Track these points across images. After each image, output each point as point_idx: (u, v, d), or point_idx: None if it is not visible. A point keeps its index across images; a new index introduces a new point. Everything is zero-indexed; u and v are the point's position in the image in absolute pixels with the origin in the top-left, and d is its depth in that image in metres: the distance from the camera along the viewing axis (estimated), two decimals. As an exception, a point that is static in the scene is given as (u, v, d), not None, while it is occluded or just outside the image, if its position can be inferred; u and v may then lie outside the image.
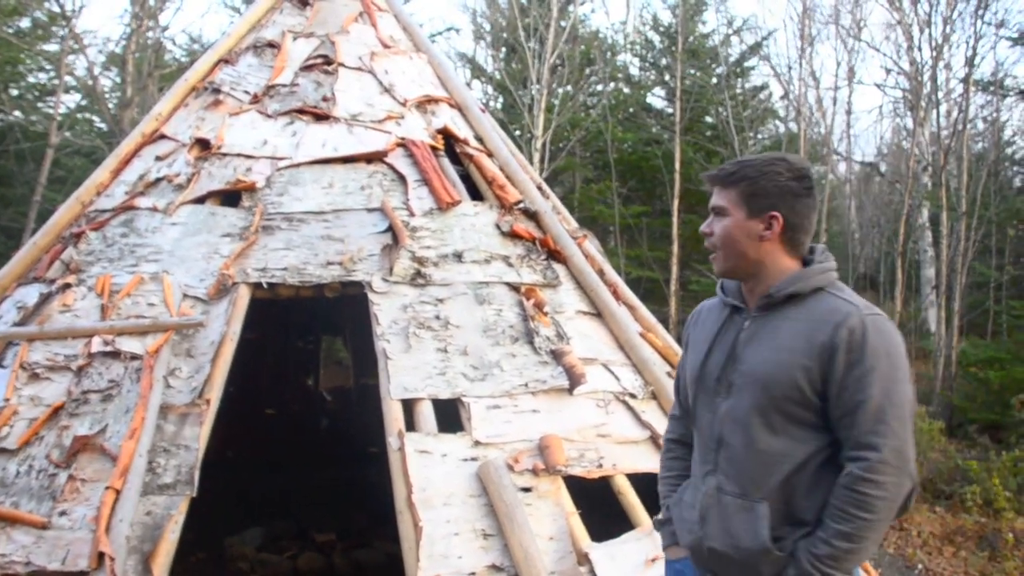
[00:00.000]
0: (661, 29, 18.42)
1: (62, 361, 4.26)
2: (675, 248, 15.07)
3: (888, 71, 16.03)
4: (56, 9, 15.35)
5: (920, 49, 14.50)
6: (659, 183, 15.92)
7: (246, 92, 5.79)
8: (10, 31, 15.81)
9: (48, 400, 4.07)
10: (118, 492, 3.61)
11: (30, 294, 4.80)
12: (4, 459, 3.82)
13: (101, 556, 3.36)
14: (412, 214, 4.99)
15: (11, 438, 3.88)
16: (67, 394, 4.08)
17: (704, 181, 2.39)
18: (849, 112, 18.09)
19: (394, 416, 4.09)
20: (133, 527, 3.55)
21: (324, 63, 5.92)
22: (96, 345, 4.28)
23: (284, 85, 5.76)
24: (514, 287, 4.85)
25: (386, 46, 6.24)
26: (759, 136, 17.26)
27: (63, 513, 3.58)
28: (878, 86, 17.98)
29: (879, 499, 2.04)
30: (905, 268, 14.45)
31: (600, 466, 4.14)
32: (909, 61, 15.39)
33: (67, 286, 4.69)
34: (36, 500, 3.63)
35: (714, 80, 15.76)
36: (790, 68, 15.53)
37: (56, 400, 4.06)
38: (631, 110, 18.44)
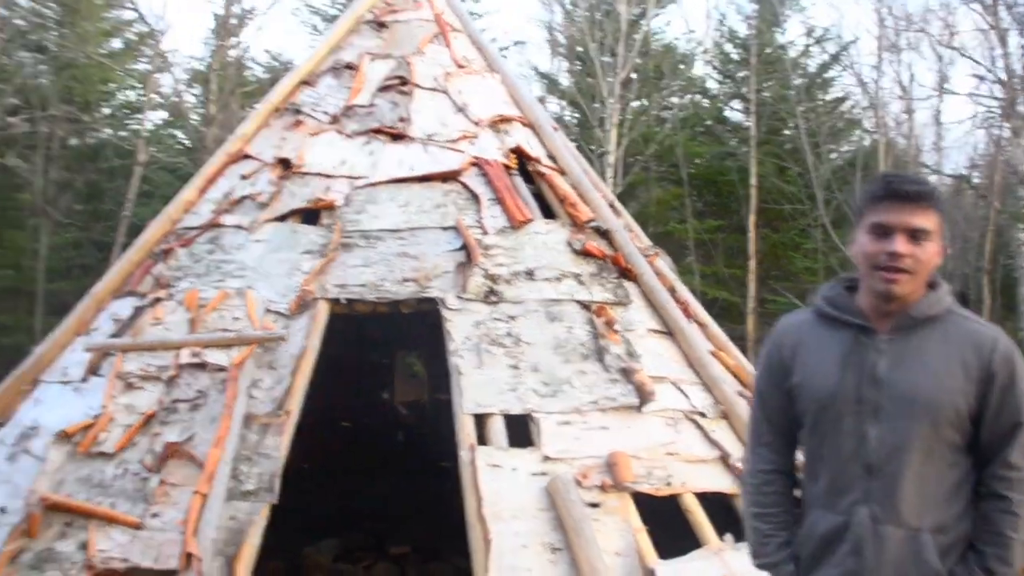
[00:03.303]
0: (737, 41, 18.28)
1: (154, 372, 4.49)
2: (752, 264, 14.86)
3: (981, 79, 15.41)
4: (145, 28, 16.10)
5: (1008, 56, 13.99)
6: (734, 198, 15.77)
7: (325, 113, 5.99)
8: (103, 52, 16.63)
9: (141, 408, 4.31)
10: (205, 497, 3.80)
11: (124, 307, 5.06)
12: (103, 463, 4.07)
13: (189, 557, 3.56)
14: (485, 232, 5.09)
15: (108, 443, 4.13)
16: (158, 403, 4.32)
17: (896, 195, 2.15)
18: (939, 122, 17.53)
19: (466, 430, 4.20)
20: (218, 530, 3.74)
21: (400, 84, 6.08)
22: (185, 357, 4.51)
23: (362, 106, 5.94)
24: (585, 305, 4.91)
25: (460, 66, 6.38)
26: (842, 149, 16.91)
27: (155, 515, 3.80)
28: (971, 95, 17.31)
29: None
30: (996, 286, 13.96)
31: (668, 484, 4.16)
32: (1004, 68, 14.90)
33: (158, 300, 4.94)
34: (131, 502, 3.86)
35: (792, 92, 15.52)
36: (875, 80, 15.10)
37: (148, 408, 4.30)
38: (708, 123, 18.31)
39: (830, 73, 17.57)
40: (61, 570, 3.65)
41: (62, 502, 3.86)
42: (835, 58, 17.04)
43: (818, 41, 17.47)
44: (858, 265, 2.25)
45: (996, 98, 14.18)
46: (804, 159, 14.07)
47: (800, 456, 2.41)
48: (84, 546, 3.71)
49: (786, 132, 16.02)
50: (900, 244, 2.10)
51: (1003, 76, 14.37)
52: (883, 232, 2.13)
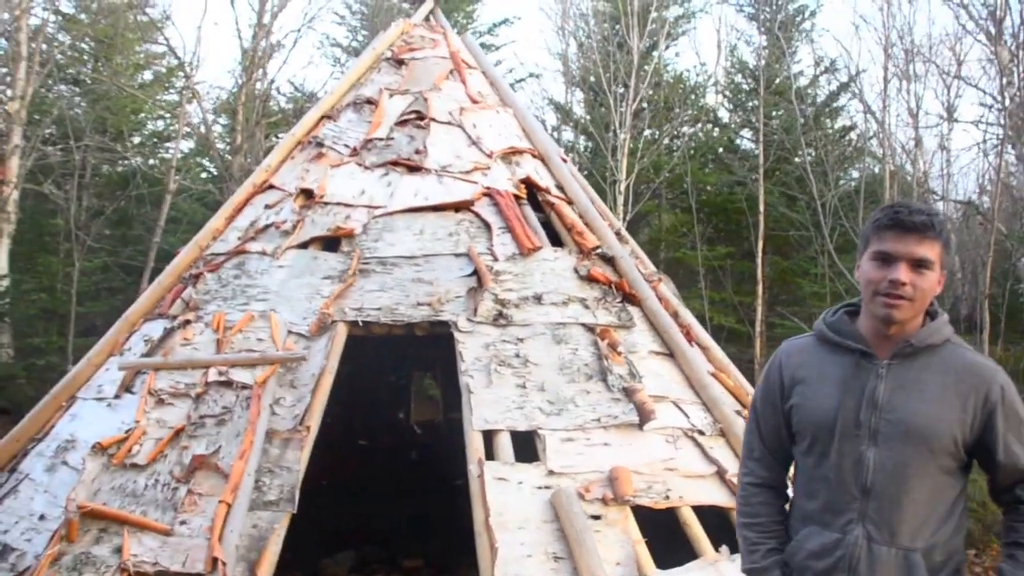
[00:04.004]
0: (747, 71, 18.59)
1: (183, 389, 4.78)
2: (760, 290, 15.08)
3: (989, 107, 15.59)
4: (175, 62, 16.65)
5: (1012, 84, 14.16)
6: (744, 225, 15.99)
7: (346, 146, 6.31)
8: (135, 83, 17.21)
9: (171, 423, 4.59)
10: (229, 506, 4.06)
11: (156, 329, 5.37)
12: (135, 474, 4.35)
13: (215, 561, 3.82)
14: (496, 259, 5.36)
15: (141, 455, 4.41)
16: (187, 418, 4.60)
17: (902, 225, 2.22)
18: (945, 149, 17.68)
19: (475, 446, 4.43)
20: (241, 537, 3.99)
21: (417, 118, 6.40)
22: (212, 375, 4.79)
23: (380, 139, 6.25)
24: (590, 328, 5.15)
25: (474, 101, 6.70)
26: (850, 177, 17.12)
27: (183, 522, 4.06)
28: (975, 123, 17.54)
29: None
30: (1003, 311, 14.05)
31: (667, 498, 4.37)
32: (1009, 97, 15.06)
33: (187, 322, 5.24)
34: (161, 510, 4.13)
35: (801, 121, 15.77)
36: (882, 108, 15.32)
37: (178, 423, 4.58)
38: (720, 150, 18.58)
39: (838, 102, 17.84)
40: (97, 573, 3.91)
41: (98, 510, 4.13)
42: (843, 87, 17.29)
43: (826, 71, 17.72)
44: (861, 290, 2.33)
45: (1001, 125, 14.36)
46: (810, 187, 14.29)
47: (792, 472, 2.51)
48: (118, 550, 3.96)
49: (796, 159, 16.25)
50: (903, 273, 2.18)
51: (1008, 104, 14.53)
52: (887, 260, 2.22)
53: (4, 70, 14.04)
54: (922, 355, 2.26)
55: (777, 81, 16.76)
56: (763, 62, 16.95)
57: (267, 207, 6.06)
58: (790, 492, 2.54)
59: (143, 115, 17.51)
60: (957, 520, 2.27)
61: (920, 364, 2.25)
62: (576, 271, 5.47)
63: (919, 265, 2.19)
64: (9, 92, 13.84)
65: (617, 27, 16.72)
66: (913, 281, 2.19)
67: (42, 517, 4.35)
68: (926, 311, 2.30)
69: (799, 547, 2.34)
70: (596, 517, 4.17)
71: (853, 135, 17.74)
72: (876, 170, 16.57)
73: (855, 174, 17.12)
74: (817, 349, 2.41)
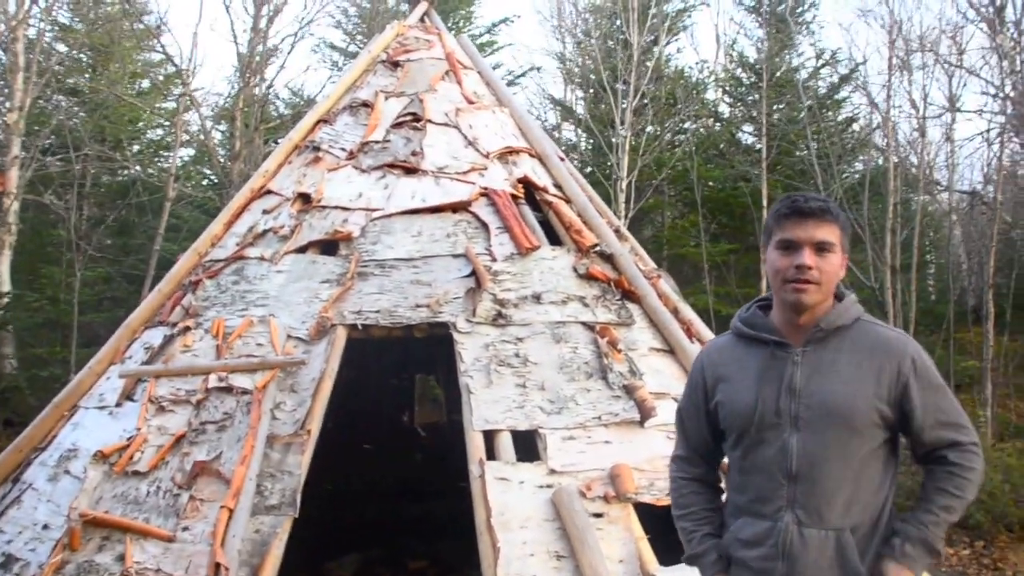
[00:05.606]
0: (748, 65, 18.56)
1: (183, 395, 4.78)
2: (764, 285, 15.08)
3: (993, 96, 15.54)
4: (172, 69, 16.68)
5: (1015, 72, 14.12)
6: (748, 220, 15.96)
7: (343, 149, 6.31)
8: (132, 92, 17.25)
9: (172, 430, 4.60)
10: (231, 511, 4.07)
11: (156, 336, 5.38)
12: (137, 481, 4.36)
13: (218, 567, 3.82)
14: (494, 259, 5.35)
15: (142, 462, 4.42)
16: (188, 425, 4.60)
17: (800, 212, 2.31)
18: (950, 139, 17.62)
19: (476, 446, 4.43)
20: (244, 542, 3.99)
21: (413, 120, 6.39)
22: (212, 381, 4.79)
23: (377, 142, 6.25)
24: (589, 326, 5.14)
25: (470, 102, 6.69)
26: (853, 169, 17.06)
27: (185, 528, 4.07)
28: (979, 112, 17.50)
29: (973, 482, 2.29)
30: (1008, 301, 14.02)
31: (668, 495, 4.35)
32: (1012, 85, 14.98)
33: (187, 329, 5.25)
34: (163, 516, 4.14)
35: (802, 114, 15.73)
36: (886, 99, 15.26)
37: (179, 430, 4.58)
38: (720, 146, 18.56)
39: (841, 94, 17.80)
40: (100, 581, 3.93)
41: (100, 518, 4.14)
42: (845, 79, 17.24)
43: (828, 63, 17.68)
44: (770, 281, 2.41)
45: (1004, 114, 14.31)
46: (815, 180, 14.27)
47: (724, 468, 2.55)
48: (121, 558, 3.97)
49: (798, 153, 16.20)
50: (807, 257, 2.27)
51: (1011, 93, 14.48)
52: (790, 247, 2.31)
53: (1, 82, 14.09)
54: (833, 338, 2.33)
55: (778, 74, 16.72)
56: (763, 54, 16.90)
57: (265, 212, 6.06)
58: (724, 486, 2.59)
59: (142, 124, 17.55)
60: (885, 497, 2.32)
61: (833, 346, 2.32)
62: (575, 269, 5.47)
63: (821, 249, 2.27)
64: (7, 104, 13.88)
65: (617, 23, 16.71)
66: (817, 265, 2.27)
67: (45, 526, 4.36)
68: (834, 294, 2.38)
69: (733, 538, 2.39)
70: (598, 515, 4.17)
71: (856, 127, 17.71)
72: (880, 161, 16.54)
73: (859, 166, 17.08)
74: (736, 346, 2.49)
